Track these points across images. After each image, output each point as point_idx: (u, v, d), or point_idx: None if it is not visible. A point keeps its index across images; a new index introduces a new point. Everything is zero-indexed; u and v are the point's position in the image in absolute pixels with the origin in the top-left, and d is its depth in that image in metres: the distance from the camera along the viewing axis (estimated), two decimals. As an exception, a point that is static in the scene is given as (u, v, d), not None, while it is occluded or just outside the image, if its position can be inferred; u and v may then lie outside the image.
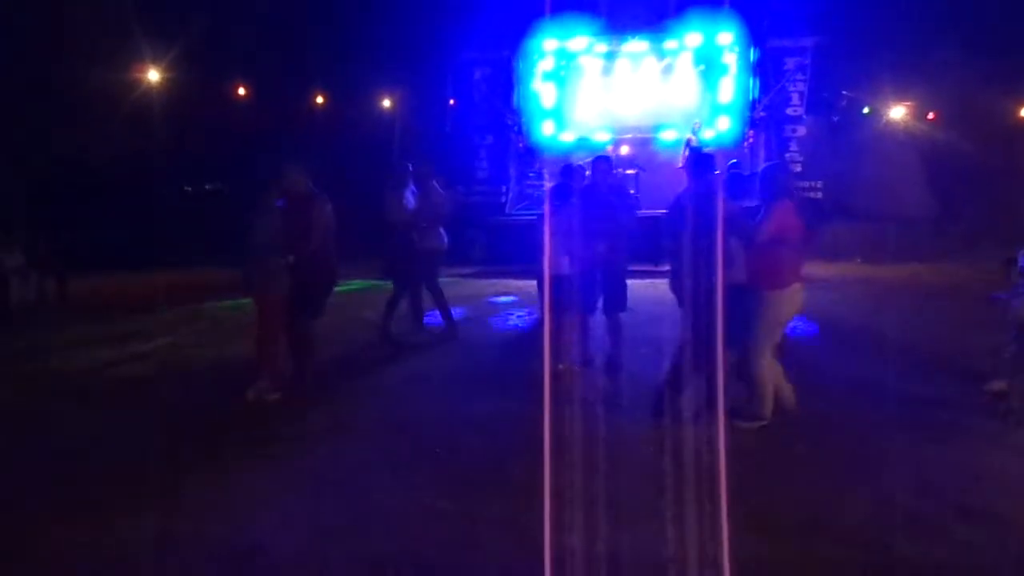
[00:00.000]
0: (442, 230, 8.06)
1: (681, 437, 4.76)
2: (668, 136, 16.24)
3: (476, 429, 5.34)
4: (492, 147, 17.65)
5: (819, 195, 15.46)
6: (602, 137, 16.49)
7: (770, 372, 5.13)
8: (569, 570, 3.34)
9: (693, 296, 5.02)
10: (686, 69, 16.43)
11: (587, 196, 6.54)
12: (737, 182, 7.67)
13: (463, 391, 6.33)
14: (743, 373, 5.23)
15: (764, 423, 5.15)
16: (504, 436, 5.17)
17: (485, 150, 17.67)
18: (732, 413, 5.12)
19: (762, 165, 5.39)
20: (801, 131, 16.09)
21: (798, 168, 15.58)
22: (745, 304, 5.04)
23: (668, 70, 16.51)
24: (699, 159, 6.12)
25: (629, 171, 15.89)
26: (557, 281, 6.24)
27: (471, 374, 6.90)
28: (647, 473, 4.39)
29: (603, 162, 6.84)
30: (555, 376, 6.06)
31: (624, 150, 16.49)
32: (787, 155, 15.76)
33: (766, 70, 16.02)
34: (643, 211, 14.82)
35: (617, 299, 6.62)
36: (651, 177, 15.44)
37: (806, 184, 15.36)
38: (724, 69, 15.84)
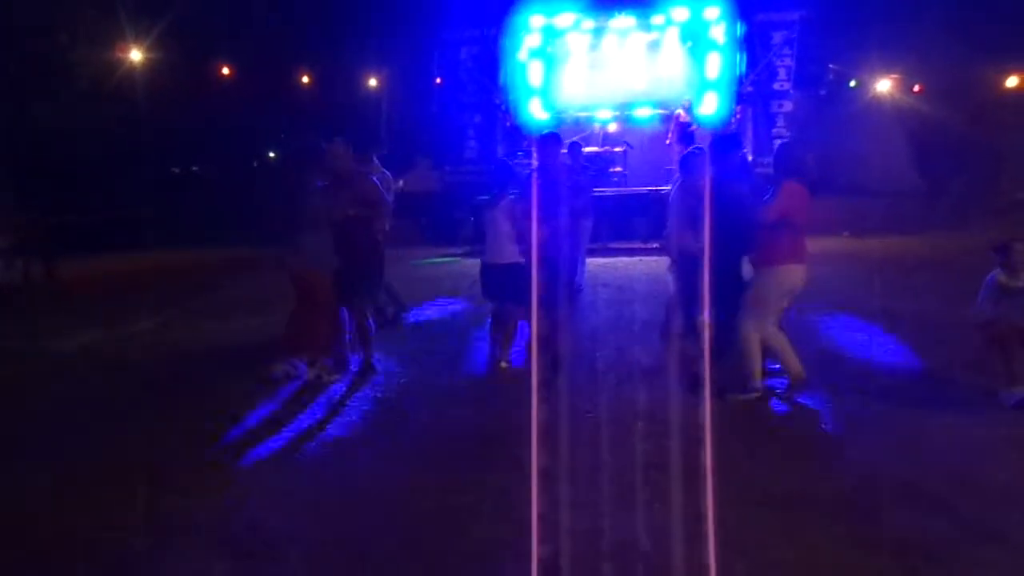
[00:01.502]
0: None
1: (670, 412, 4.82)
2: (656, 112, 16.16)
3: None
4: (480, 126, 17.52)
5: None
6: (589, 114, 16.40)
7: (763, 344, 5.21)
8: (553, 546, 3.38)
9: (720, 276, 4.97)
10: (673, 44, 16.31)
11: (539, 177, 6.23)
12: (721, 147, 7.69)
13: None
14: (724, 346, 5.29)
15: (757, 394, 5.25)
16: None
17: (473, 129, 17.53)
18: (726, 387, 5.25)
19: (777, 142, 5.39)
20: (788, 106, 16.02)
21: (785, 144, 15.57)
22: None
23: (655, 46, 16.38)
24: (722, 141, 6.24)
25: (617, 148, 15.84)
26: (490, 270, 6.23)
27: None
28: (633, 448, 4.45)
29: (550, 142, 6.53)
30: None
31: (612, 127, 16.41)
32: (774, 131, 15.73)
33: (753, 44, 15.91)
34: (630, 188, 14.90)
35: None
36: (639, 154, 15.40)
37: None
38: (711, 44, 15.73)
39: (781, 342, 5.27)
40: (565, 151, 9.84)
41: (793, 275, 5.14)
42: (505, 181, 6.33)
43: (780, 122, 15.75)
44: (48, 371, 6.96)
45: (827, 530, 3.54)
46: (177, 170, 23.06)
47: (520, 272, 6.10)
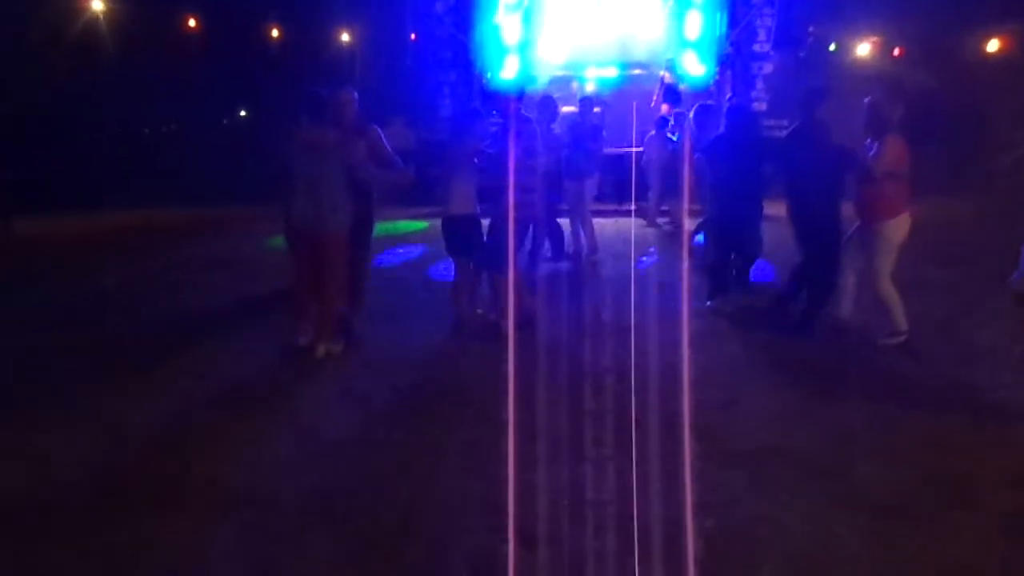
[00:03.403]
0: None
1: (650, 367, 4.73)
2: (635, 73, 15.92)
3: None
4: (455, 83, 17.14)
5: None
6: (566, 73, 16.10)
7: (894, 291, 5.54)
8: (529, 503, 3.27)
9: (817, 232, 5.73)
10: (653, 3, 16.03)
11: (507, 135, 6.06)
12: (706, 115, 7.63)
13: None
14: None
15: (903, 337, 5.53)
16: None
17: (448, 87, 17.15)
18: (870, 333, 5.68)
19: (867, 100, 5.44)
20: (768, 68, 15.82)
21: (763, 107, 15.38)
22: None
23: (635, 4, 16.08)
24: (736, 111, 6.89)
25: (595, 108, 15.59)
26: (447, 223, 6.05)
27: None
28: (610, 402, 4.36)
29: (499, 100, 6.39)
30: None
31: (589, 87, 16.14)
32: (753, 93, 15.56)
33: (733, 4, 15.67)
34: (609, 149, 14.68)
35: (490, 254, 6.01)
36: (618, 114, 15.17)
37: (771, 123, 15.17)
38: (690, 3, 15.46)
39: (894, 294, 5.54)
40: (573, 108, 9.68)
41: (907, 223, 5.46)
42: (465, 133, 6.08)
43: (759, 84, 15.59)
44: None
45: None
46: (148, 131, 22.38)
47: (474, 225, 6.02)
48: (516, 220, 5.85)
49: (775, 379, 5.00)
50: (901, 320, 5.55)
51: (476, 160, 5.94)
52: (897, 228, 5.45)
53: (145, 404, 4.65)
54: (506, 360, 4.67)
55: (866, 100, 5.53)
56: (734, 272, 7.00)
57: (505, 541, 2.99)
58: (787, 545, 3.02)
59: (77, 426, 4.32)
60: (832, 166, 5.57)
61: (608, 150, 14.12)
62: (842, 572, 2.88)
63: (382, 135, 5.85)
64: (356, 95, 5.81)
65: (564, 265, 8.72)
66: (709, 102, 9.78)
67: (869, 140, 5.51)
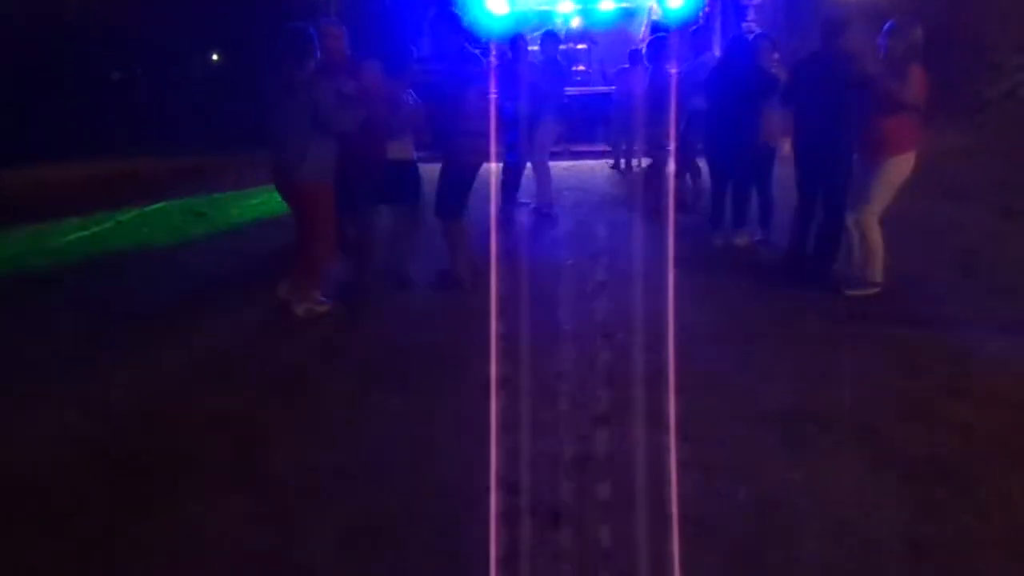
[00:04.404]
0: None
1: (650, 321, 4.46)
2: (621, 6, 15.31)
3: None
4: (434, 21, 16.44)
5: (778, 68, 14.76)
6: (549, 8, 15.46)
7: (880, 237, 5.13)
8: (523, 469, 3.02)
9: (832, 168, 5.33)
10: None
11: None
12: (660, 47, 7.38)
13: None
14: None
15: (877, 289, 5.10)
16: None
17: (429, 24, 16.45)
18: (843, 282, 5.26)
19: (888, 22, 5.03)
20: (758, -1, 15.28)
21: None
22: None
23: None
24: (734, 41, 7.18)
25: (580, 45, 15.06)
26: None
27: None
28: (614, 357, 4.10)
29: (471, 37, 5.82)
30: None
31: (575, 22, 15.56)
32: (744, 25, 15.00)
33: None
34: (595, 88, 14.16)
35: (440, 201, 5.54)
36: (606, 51, 14.65)
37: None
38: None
39: (879, 239, 5.13)
40: (537, 46, 8.93)
41: (911, 163, 5.10)
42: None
43: (750, 16, 15.03)
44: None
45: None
46: (117, 75, 21.39)
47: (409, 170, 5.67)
48: (466, 165, 5.50)
49: (788, 333, 4.72)
50: (878, 270, 5.14)
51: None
52: (903, 165, 5.11)
53: (115, 375, 4.34)
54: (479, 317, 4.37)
55: (886, 26, 5.14)
56: (731, 206, 6.81)
57: (523, 515, 2.74)
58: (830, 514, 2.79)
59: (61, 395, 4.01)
60: (851, 99, 5.16)
61: (579, 90, 13.52)
62: (894, 546, 2.63)
63: (380, 73, 5.33)
64: (344, 29, 5.30)
65: (516, 215, 8.19)
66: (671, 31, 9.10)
67: (887, 69, 5.09)
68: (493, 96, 5.77)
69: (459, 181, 5.49)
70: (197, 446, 3.47)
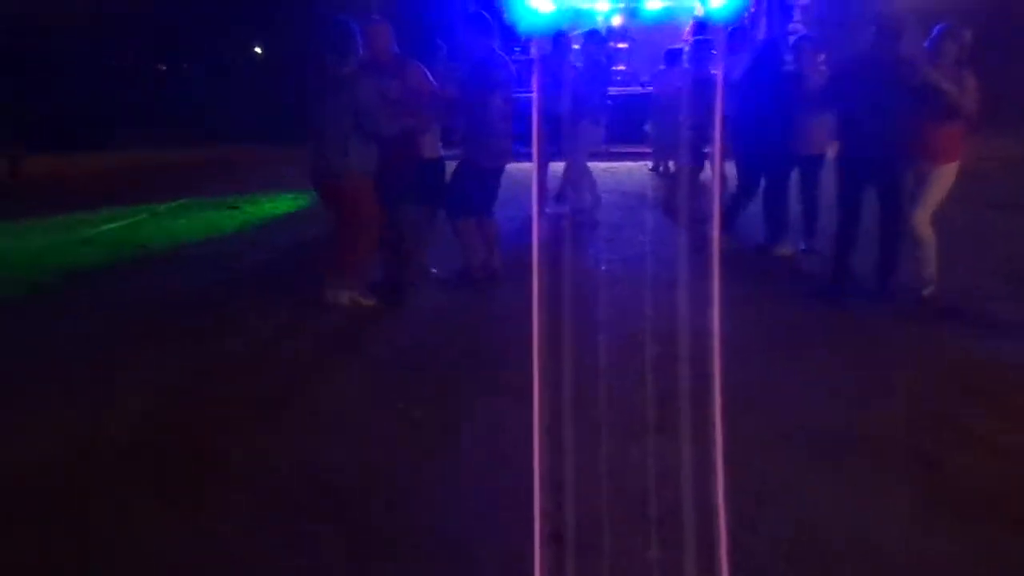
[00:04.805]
0: None
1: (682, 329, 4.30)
2: (665, 6, 15.05)
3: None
4: (474, 19, 16.35)
5: (824, 69, 14.38)
6: (590, 6, 15.25)
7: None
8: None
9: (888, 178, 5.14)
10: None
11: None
12: (703, 48, 7.11)
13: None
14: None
15: (932, 287, 5.07)
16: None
17: (460, 25, 16.34)
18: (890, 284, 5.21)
19: (937, 26, 4.87)
20: (805, -1, 14.96)
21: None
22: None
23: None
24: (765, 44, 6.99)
25: (621, 44, 14.86)
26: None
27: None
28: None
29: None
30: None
31: (616, 20, 15.34)
32: (790, 26, 14.68)
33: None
34: (636, 88, 13.95)
35: (449, 199, 5.57)
36: (645, 50, 14.43)
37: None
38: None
39: (933, 240, 5.09)
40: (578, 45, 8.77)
41: (956, 171, 5.06)
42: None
43: (797, 16, 14.72)
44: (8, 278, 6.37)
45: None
46: (164, 67, 21.72)
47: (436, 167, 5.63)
48: (484, 168, 5.46)
49: (835, 347, 4.53)
50: (933, 270, 5.10)
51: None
52: (952, 173, 5.03)
53: (130, 373, 4.32)
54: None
55: (937, 29, 4.92)
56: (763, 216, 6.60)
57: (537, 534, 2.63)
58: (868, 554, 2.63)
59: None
60: (905, 105, 4.90)
61: (619, 90, 13.25)
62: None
63: (427, 73, 5.26)
64: (390, 26, 5.23)
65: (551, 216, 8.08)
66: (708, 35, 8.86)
67: (938, 75, 4.85)
68: (532, 95, 5.68)
69: (473, 182, 5.45)
70: (212, 445, 3.43)
